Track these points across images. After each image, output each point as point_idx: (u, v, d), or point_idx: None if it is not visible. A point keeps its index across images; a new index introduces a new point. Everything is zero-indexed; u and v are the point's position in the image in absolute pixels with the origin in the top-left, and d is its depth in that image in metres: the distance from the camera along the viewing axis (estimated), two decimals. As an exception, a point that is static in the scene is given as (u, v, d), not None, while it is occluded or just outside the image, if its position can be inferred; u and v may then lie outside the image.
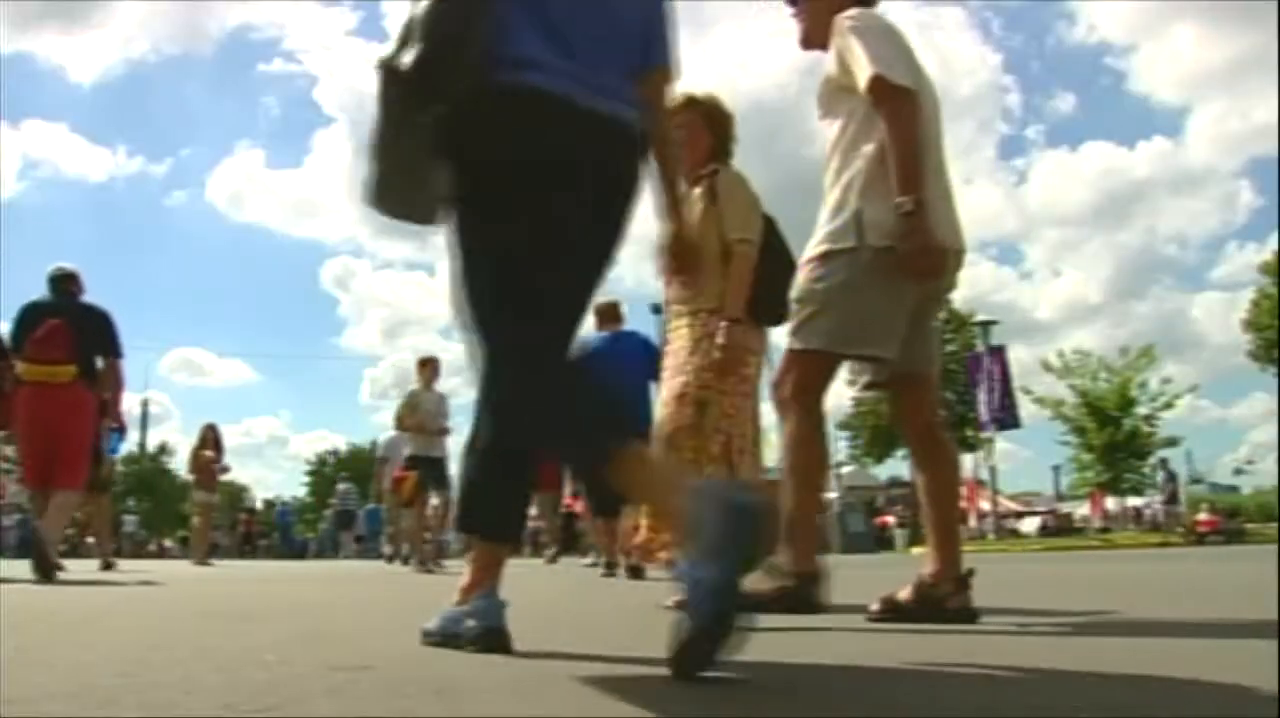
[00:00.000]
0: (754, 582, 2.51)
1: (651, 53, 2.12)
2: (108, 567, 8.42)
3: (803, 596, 2.55)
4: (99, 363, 5.96)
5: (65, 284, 6.06)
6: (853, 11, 2.65)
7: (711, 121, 3.39)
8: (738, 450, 3.35)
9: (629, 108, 1.99)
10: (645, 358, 6.00)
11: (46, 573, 5.26)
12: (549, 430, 1.87)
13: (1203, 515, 22.33)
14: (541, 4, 1.91)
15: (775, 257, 3.35)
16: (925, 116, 2.53)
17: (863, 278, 2.48)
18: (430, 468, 9.17)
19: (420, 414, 9.24)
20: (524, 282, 1.85)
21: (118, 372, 6.19)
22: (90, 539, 9.79)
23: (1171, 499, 23.12)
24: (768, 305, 3.30)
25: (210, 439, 12.71)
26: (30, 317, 5.78)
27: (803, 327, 2.60)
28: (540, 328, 1.85)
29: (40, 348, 5.62)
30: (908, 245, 2.41)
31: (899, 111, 2.45)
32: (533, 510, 15.24)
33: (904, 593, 2.62)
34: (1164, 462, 24.44)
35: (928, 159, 2.51)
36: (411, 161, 1.88)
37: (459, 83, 1.82)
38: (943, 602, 2.54)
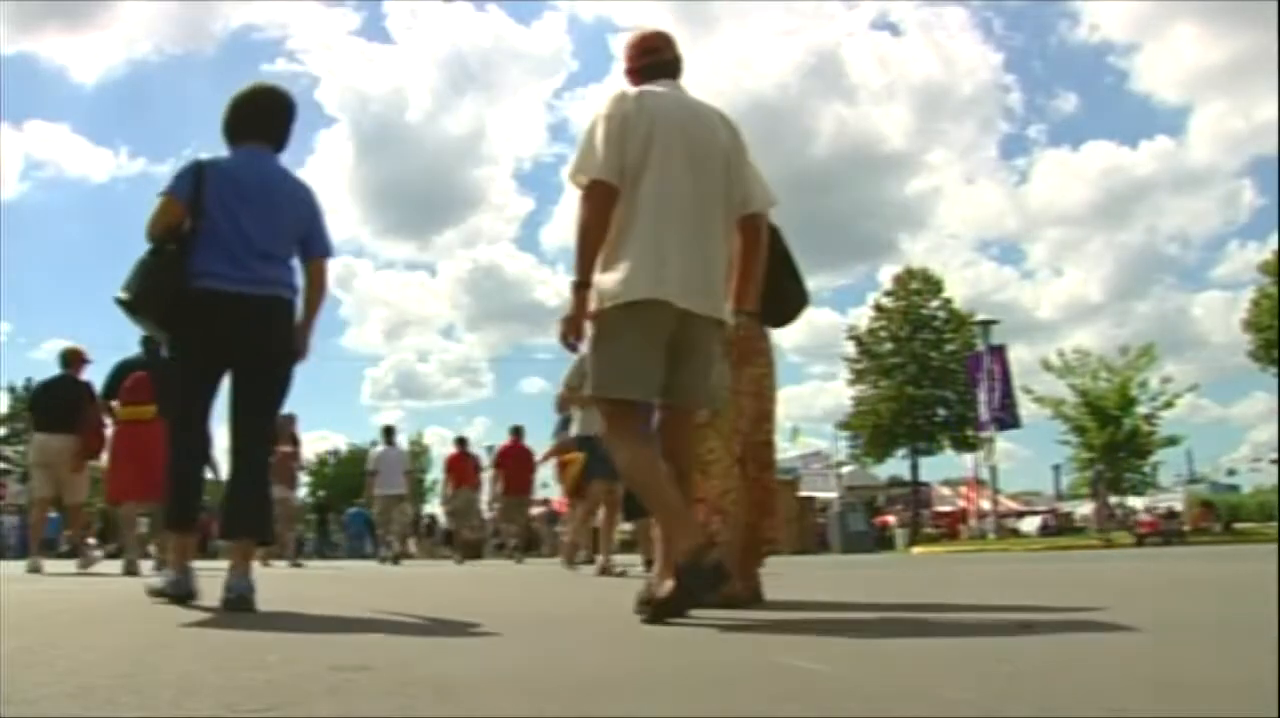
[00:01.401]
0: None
1: (310, 248, 3.54)
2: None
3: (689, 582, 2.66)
4: None
5: (152, 343, 7.61)
6: (602, 106, 2.93)
7: None
8: (753, 447, 3.44)
9: (283, 289, 3.43)
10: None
11: (130, 568, 7.18)
12: (174, 470, 3.49)
13: (1143, 517, 21.92)
14: (223, 238, 3.30)
15: (778, 262, 3.43)
16: (658, 171, 2.81)
17: (607, 334, 2.82)
18: (601, 450, 7.49)
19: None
20: (187, 399, 3.47)
21: None
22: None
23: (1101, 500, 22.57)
24: (772, 308, 3.43)
25: (288, 432, 11.55)
26: (122, 371, 7.63)
27: (589, 377, 2.98)
28: (190, 416, 3.46)
29: (130, 394, 7.46)
30: (564, 314, 2.89)
31: (580, 202, 2.85)
32: (487, 514, 15.58)
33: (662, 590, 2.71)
34: (1090, 461, 24.24)
35: (635, 217, 2.80)
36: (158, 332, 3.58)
37: (156, 306, 3.33)
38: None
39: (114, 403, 7.55)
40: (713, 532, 3.30)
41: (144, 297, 3.31)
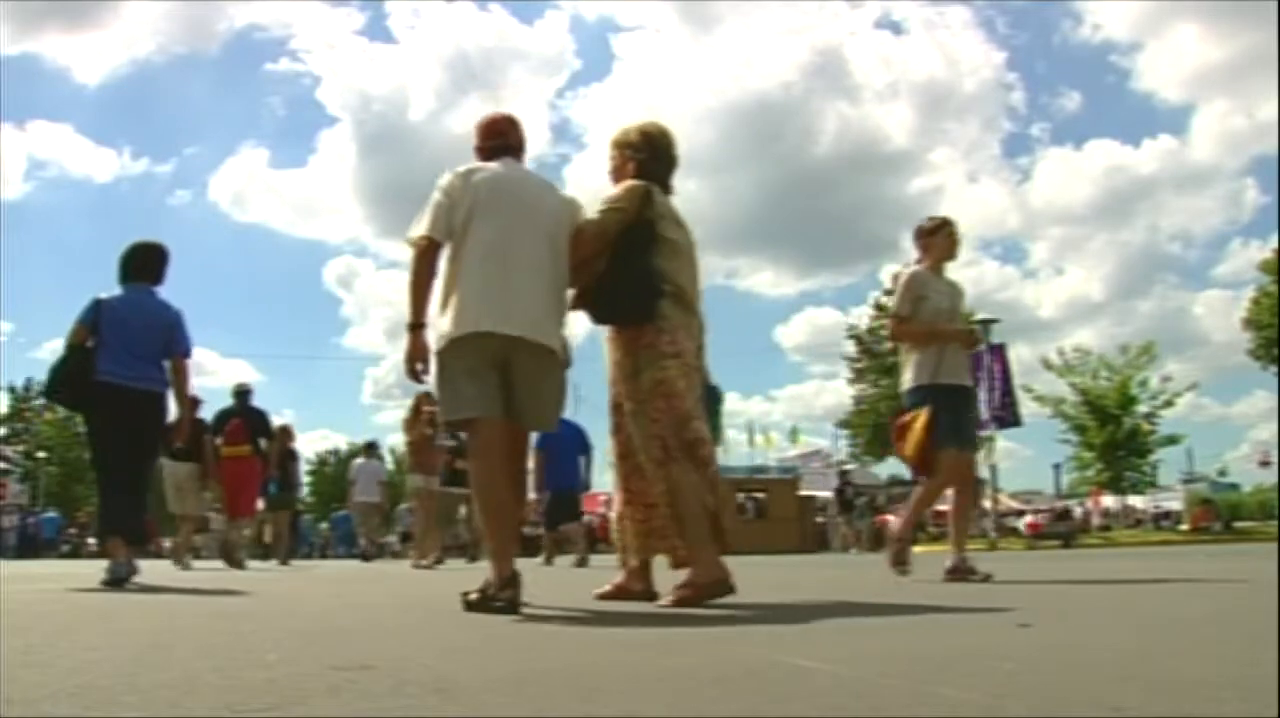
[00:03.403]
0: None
1: (172, 350, 5.38)
2: (284, 563, 11.38)
3: (503, 597, 3.08)
4: (262, 442, 10.57)
5: (245, 397, 10.58)
6: (440, 182, 3.41)
7: (636, 146, 3.69)
8: (684, 447, 3.40)
9: (155, 382, 5.29)
10: (574, 438, 10.29)
11: (238, 565, 9.67)
12: (101, 496, 5.47)
13: (1029, 518, 21.19)
14: (112, 350, 5.15)
15: (630, 261, 3.45)
16: (481, 226, 3.29)
17: (445, 369, 3.31)
18: (953, 402, 5.17)
19: (929, 311, 5.18)
20: (98, 451, 5.31)
21: (272, 447, 10.84)
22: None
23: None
24: (600, 305, 3.51)
25: (426, 413, 10.01)
26: (223, 418, 10.37)
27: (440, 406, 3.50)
28: (101, 467, 5.31)
29: (230, 437, 10.23)
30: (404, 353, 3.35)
31: (411, 257, 3.35)
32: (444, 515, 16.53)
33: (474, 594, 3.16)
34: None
35: (462, 264, 3.28)
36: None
37: (65, 396, 5.44)
38: (493, 601, 3.09)
39: (218, 440, 10.15)
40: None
41: (55, 391, 5.39)
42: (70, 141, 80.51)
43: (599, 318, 3.54)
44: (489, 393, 3.25)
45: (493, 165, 3.47)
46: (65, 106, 73.22)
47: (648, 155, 3.65)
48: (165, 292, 5.51)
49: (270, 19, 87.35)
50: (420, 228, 3.33)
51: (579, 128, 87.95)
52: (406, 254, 3.38)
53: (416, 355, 3.31)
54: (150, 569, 9.72)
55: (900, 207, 59.57)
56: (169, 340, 5.34)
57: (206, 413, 10.39)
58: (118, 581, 4.98)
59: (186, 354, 5.45)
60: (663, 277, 3.45)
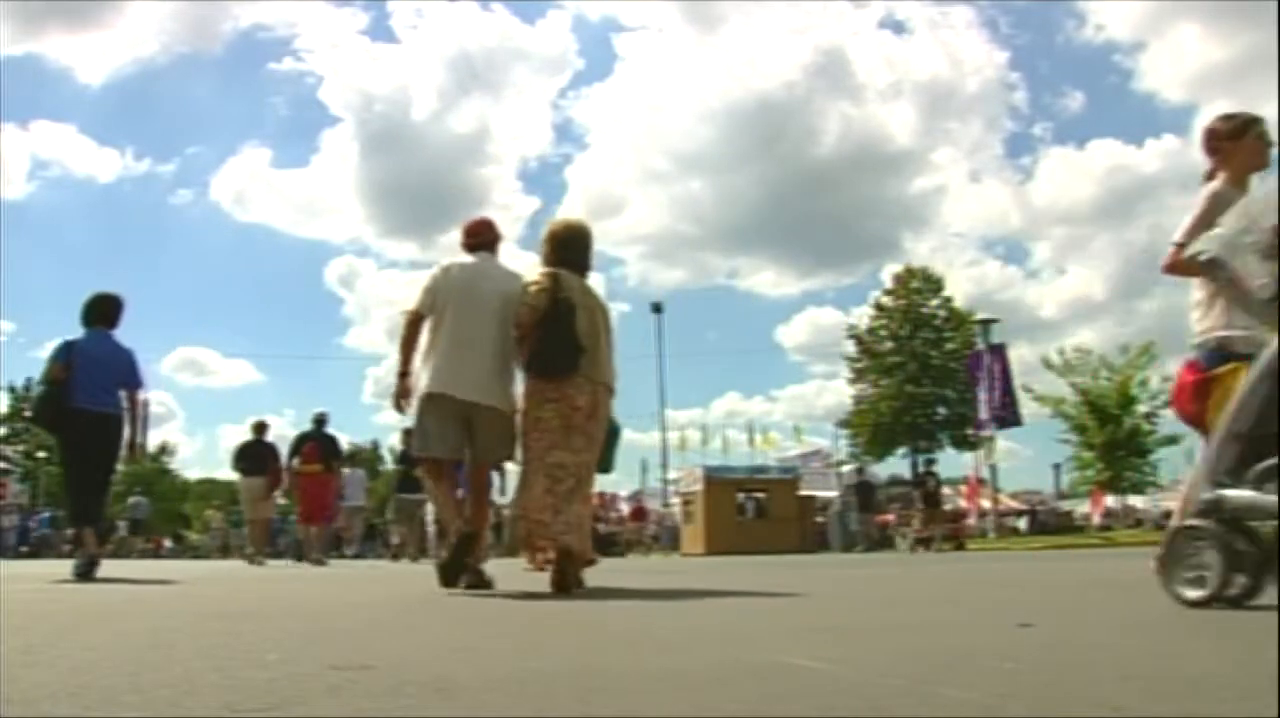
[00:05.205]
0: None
1: (129, 384, 6.69)
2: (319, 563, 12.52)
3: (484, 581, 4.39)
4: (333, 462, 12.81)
5: (321, 423, 12.57)
6: (432, 271, 4.67)
7: (546, 243, 4.66)
8: (535, 474, 4.32)
9: (115, 408, 6.54)
10: None
11: (317, 563, 11.41)
12: (71, 498, 6.94)
13: (915, 523, 19.83)
14: (82, 382, 6.37)
15: (551, 328, 4.34)
16: (452, 315, 4.45)
17: (420, 414, 4.48)
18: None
19: (1227, 238, 3.51)
20: (72, 463, 6.69)
21: (340, 469, 13.32)
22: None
23: (864, 507, 19.61)
24: (538, 361, 4.41)
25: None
26: (302, 440, 12.41)
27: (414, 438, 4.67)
28: (73, 475, 6.69)
29: (306, 457, 12.19)
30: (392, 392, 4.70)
31: (402, 323, 4.65)
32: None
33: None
34: (860, 469, 23.41)
35: (437, 343, 4.47)
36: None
37: (51, 417, 6.73)
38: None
39: (295, 461, 12.21)
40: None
41: (37, 417, 7.38)
42: (73, 142, 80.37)
43: (537, 372, 4.42)
44: (449, 439, 4.45)
45: (469, 261, 4.64)
46: (68, 107, 72.93)
47: (551, 249, 4.63)
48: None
49: (274, 19, 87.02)
50: (412, 305, 4.56)
51: (581, 128, 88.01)
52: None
53: (401, 393, 4.58)
54: (159, 568, 9.81)
55: (902, 207, 59.44)
56: (127, 375, 6.69)
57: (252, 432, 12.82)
58: (90, 566, 6.07)
59: (140, 387, 6.82)
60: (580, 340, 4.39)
